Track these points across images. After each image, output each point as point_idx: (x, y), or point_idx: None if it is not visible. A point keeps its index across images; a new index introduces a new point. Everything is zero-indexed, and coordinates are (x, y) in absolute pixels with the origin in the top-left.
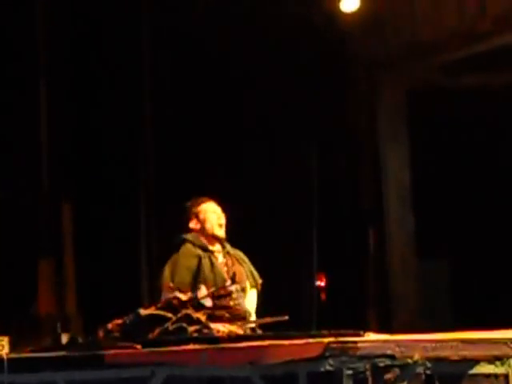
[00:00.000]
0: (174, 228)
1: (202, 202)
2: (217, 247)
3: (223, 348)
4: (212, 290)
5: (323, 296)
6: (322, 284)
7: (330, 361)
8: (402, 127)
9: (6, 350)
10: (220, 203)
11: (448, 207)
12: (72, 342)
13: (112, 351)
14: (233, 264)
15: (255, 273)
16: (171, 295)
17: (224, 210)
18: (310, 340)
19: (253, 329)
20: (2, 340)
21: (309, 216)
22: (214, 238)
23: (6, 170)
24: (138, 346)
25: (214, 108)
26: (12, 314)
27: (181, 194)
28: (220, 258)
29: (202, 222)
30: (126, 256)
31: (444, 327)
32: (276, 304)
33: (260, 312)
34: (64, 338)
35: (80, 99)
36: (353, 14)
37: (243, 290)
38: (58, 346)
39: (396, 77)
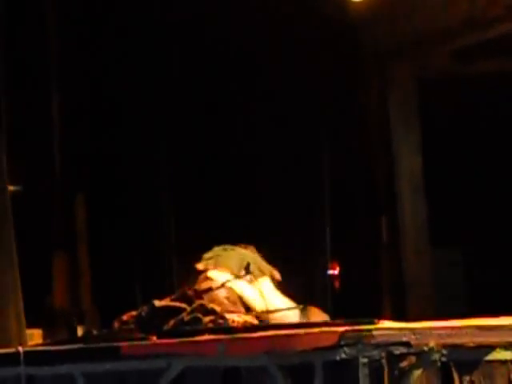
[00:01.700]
0: (192, 217)
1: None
2: None
3: (239, 338)
4: (224, 281)
5: (337, 284)
6: (336, 273)
7: (346, 349)
8: (413, 115)
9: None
10: (234, 196)
11: (461, 195)
12: (87, 334)
13: (128, 343)
14: None
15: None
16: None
17: (238, 202)
18: (325, 329)
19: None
20: (33, 333)
21: (321, 205)
22: None
23: (18, 162)
24: (154, 338)
25: (225, 96)
26: (27, 308)
27: (196, 183)
28: None
29: None
30: (140, 248)
31: (458, 315)
32: (290, 293)
33: None
34: (80, 331)
35: (93, 88)
36: (364, 2)
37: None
38: (73, 338)
39: (408, 64)
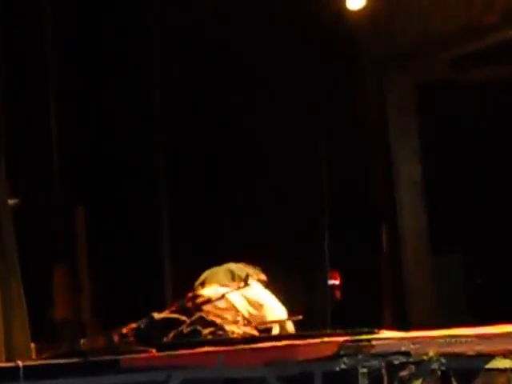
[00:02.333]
0: (191, 228)
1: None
2: None
3: (238, 349)
4: (224, 292)
5: (337, 294)
6: (336, 282)
7: (345, 360)
8: (412, 122)
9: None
10: (231, 207)
11: (461, 201)
12: (87, 347)
13: (127, 356)
14: None
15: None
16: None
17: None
18: (325, 339)
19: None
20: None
21: (320, 214)
22: None
23: (17, 175)
24: (153, 350)
25: (223, 99)
26: (29, 321)
27: (196, 192)
28: None
29: None
30: (141, 259)
31: (460, 322)
32: (290, 304)
33: None
34: (81, 344)
35: (92, 99)
36: (360, 11)
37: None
38: (73, 351)
39: (405, 72)
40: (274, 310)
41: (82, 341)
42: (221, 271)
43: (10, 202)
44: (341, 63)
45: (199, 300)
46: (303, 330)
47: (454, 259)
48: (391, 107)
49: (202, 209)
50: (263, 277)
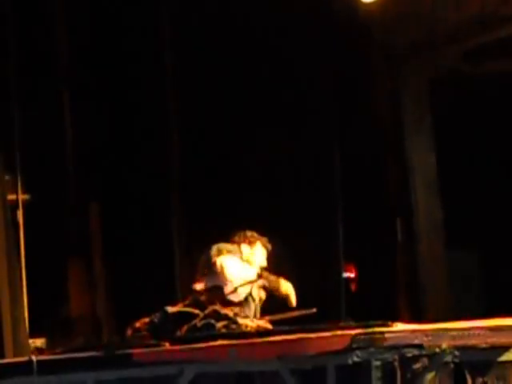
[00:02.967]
0: (203, 226)
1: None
2: None
3: (251, 343)
4: (236, 285)
5: (353, 287)
6: (352, 275)
7: (358, 352)
8: (426, 115)
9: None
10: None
11: (476, 196)
12: (100, 342)
13: (140, 350)
14: None
15: None
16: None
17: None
18: (337, 332)
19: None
20: (35, 342)
21: (335, 207)
22: None
23: (32, 171)
24: (167, 344)
25: (238, 98)
26: (45, 316)
27: (209, 189)
28: None
29: None
30: (154, 254)
31: (474, 315)
32: (306, 297)
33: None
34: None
35: (106, 97)
36: (375, 4)
37: None
38: (87, 346)
39: (419, 64)
40: None
41: (96, 335)
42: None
43: (24, 198)
44: (355, 58)
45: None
46: (318, 322)
47: (468, 253)
48: (405, 102)
49: (217, 201)
50: (269, 246)
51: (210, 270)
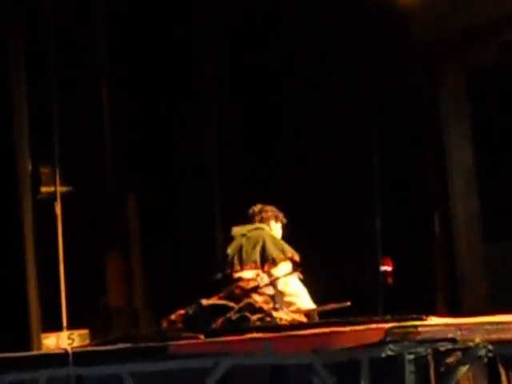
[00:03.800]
0: (240, 217)
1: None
2: None
3: (285, 336)
4: (272, 278)
5: (390, 280)
6: (389, 269)
7: (392, 346)
8: (464, 109)
9: (76, 343)
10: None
11: None
12: (136, 334)
13: (175, 342)
14: None
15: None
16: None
17: (288, 199)
18: (371, 326)
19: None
20: (73, 333)
21: (373, 201)
22: None
23: (70, 163)
24: (202, 336)
25: (273, 92)
26: (84, 308)
27: (246, 181)
28: None
29: None
30: (193, 244)
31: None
32: (343, 290)
33: (327, 298)
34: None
35: (145, 87)
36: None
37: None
38: (122, 338)
39: (457, 58)
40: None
41: (133, 327)
42: (257, 249)
43: (63, 189)
44: (392, 50)
45: (248, 286)
46: (354, 315)
47: (506, 246)
48: (443, 95)
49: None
50: (297, 257)
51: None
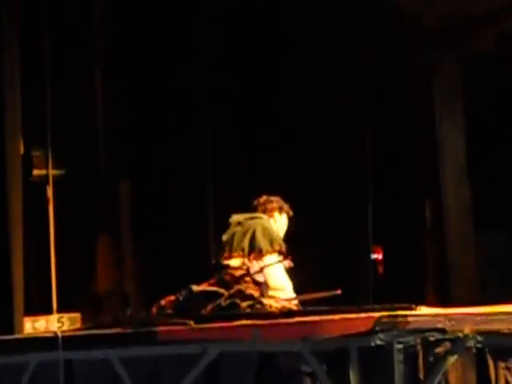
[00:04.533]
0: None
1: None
2: None
3: (275, 323)
4: (263, 265)
5: (380, 269)
6: (379, 257)
7: (381, 335)
8: (457, 100)
9: (66, 327)
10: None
11: (504, 177)
12: (125, 319)
13: (165, 328)
14: None
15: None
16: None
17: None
18: (361, 315)
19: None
20: (63, 317)
21: (364, 189)
22: None
23: (63, 147)
24: (191, 322)
25: (271, 81)
26: (73, 291)
27: (240, 168)
28: None
29: None
30: (184, 231)
31: (501, 299)
32: (333, 278)
33: (317, 286)
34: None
35: (138, 73)
36: None
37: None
38: (111, 322)
39: (452, 47)
40: None
41: (123, 312)
42: (246, 238)
43: (56, 173)
44: (387, 42)
45: (237, 273)
46: (344, 304)
47: (496, 235)
48: (436, 84)
49: (249, 186)
50: (291, 212)
51: (256, 259)
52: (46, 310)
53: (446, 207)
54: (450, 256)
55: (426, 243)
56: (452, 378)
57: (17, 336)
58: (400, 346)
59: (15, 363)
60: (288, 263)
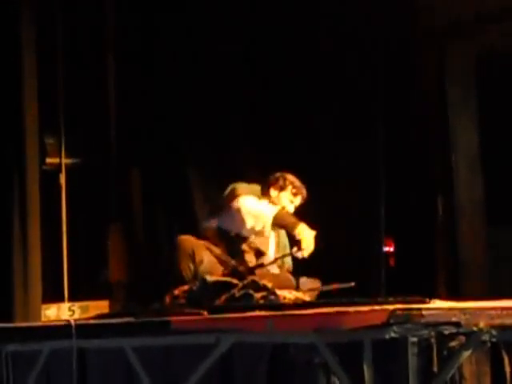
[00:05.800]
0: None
1: None
2: None
3: (289, 315)
4: (277, 256)
5: (391, 262)
6: (390, 250)
7: (395, 328)
8: (470, 94)
9: (77, 315)
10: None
11: None
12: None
13: (178, 317)
14: None
15: None
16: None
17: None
18: (375, 307)
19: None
20: (74, 305)
21: (377, 183)
22: None
23: (73, 135)
24: (205, 313)
25: (281, 70)
26: (84, 281)
27: (250, 156)
28: None
29: None
30: (195, 222)
31: None
32: (344, 271)
33: (328, 279)
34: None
35: (151, 61)
36: None
37: None
38: (125, 312)
39: (465, 43)
40: None
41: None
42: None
43: (67, 162)
44: (398, 36)
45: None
46: (356, 296)
47: (509, 230)
48: (450, 79)
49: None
50: (304, 193)
51: (225, 213)
52: (58, 298)
53: (459, 202)
54: (461, 250)
55: (437, 237)
56: (466, 371)
57: (30, 324)
58: (414, 339)
59: (28, 351)
60: (300, 253)
